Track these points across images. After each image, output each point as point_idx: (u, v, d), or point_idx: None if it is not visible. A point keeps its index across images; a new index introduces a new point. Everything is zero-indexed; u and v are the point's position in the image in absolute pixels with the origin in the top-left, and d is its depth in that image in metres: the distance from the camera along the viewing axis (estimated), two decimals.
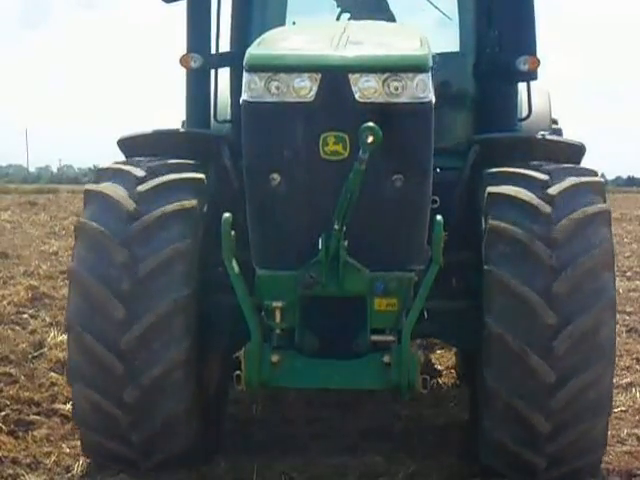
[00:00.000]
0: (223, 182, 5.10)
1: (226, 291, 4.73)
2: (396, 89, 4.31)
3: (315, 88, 4.32)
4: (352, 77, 4.30)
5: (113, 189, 4.87)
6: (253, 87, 4.39)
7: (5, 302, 9.72)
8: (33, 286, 10.55)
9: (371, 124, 4.19)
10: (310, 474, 5.15)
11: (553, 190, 4.76)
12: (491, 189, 4.81)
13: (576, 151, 5.27)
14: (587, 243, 4.64)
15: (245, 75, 4.42)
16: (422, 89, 4.34)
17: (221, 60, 5.86)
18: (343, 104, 4.32)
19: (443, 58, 5.07)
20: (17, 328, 8.65)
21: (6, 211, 23.19)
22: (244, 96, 4.43)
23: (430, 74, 4.39)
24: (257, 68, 4.39)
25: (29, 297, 10.05)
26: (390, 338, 4.62)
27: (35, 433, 5.84)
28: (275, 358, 4.62)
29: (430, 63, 4.42)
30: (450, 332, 5.04)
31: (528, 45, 5.59)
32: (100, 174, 5.07)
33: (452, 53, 5.91)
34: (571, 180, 4.84)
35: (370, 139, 4.18)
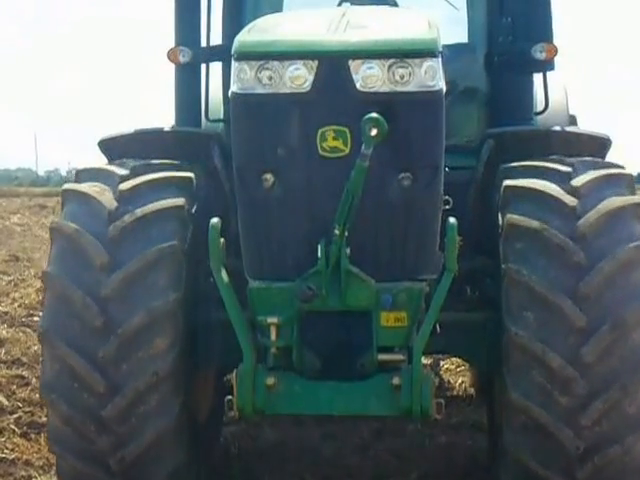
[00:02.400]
0: (213, 184, 4.74)
1: (216, 304, 4.35)
2: (402, 77, 3.96)
3: (311, 77, 3.97)
4: (353, 64, 3.95)
5: (93, 188, 4.51)
6: (243, 77, 4.04)
7: (16, 304, 9.92)
8: (44, 288, 10.55)
9: (375, 115, 3.84)
10: (322, 475, 5.23)
11: (577, 182, 4.37)
12: (508, 182, 4.45)
13: (600, 144, 4.90)
14: (616, 239, 4.21)
15: (234, 64, 4.08)
16: (431, 76, 3.98)
17: (212, 54, 5.48)
18: (343, 94, 3.97)
19: (451, 50, 4.70)
20: (28, 330, 8.72)
21: (16, 214, 23.71)
22: (233, 87, 4.09)
23: (440, 59, 4.03)
24: (247, 56, 4.03)
25: (40, 299, 10.11)
26: (399, 357, 4.20)
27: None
28: (271, 381, 4.16)
29: (439, 47, 4.05)
30: (465, 347, 4.64)
31: (544, 32, 5.22)
32: (80, 175, 4.71)
33: (461, 44, 5.59)
34: (597, 172, 4.45)
35: (374, 132, 3.83)
